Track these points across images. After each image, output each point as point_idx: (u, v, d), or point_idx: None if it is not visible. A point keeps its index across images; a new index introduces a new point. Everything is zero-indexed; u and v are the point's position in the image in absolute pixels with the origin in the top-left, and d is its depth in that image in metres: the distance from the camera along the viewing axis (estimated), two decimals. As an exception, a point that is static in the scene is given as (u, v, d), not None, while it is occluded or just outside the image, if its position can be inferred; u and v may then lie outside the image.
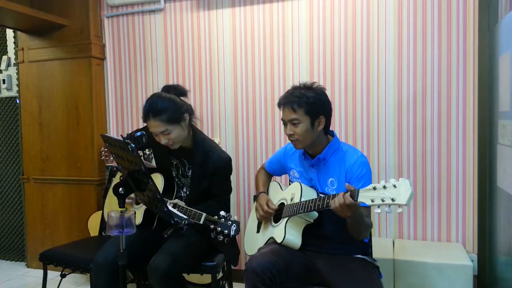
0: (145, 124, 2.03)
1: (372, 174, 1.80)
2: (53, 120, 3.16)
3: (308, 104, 1.72)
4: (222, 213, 1.81)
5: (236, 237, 2.30)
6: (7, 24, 3.05)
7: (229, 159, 2.10)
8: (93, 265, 1.92)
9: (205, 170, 2.04)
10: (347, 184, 1.55)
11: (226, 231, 1.77)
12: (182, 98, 2.08)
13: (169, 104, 1.95)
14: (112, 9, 3.11)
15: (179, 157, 2.11)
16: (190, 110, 2.06)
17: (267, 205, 1.89)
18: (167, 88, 2.09)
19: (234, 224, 1.78)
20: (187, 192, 2.12)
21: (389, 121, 2.55)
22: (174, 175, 2.14)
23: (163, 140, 1.95)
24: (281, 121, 1.83)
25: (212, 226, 1.79)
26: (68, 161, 3.13)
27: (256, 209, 1.96)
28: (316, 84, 1.80)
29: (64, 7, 3.06)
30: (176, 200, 1.97)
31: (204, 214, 1.82)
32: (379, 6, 2.53)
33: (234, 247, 2.21)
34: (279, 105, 1.82)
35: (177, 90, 2.08)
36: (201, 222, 1.82)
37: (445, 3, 2.42)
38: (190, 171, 2.09)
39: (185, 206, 1.92)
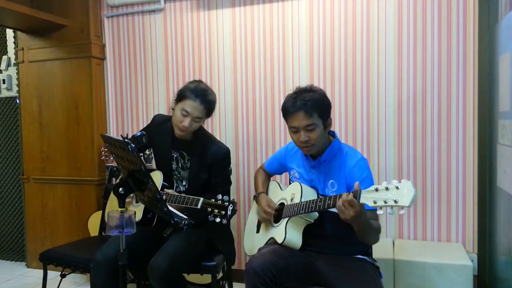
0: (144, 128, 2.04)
1: (372, 175, 1.79)
2: (53, 120, 3.16)
3: (320, 107, 1.69)
4: (219, 196, 1.84)
5: (235, 236, 2.31)
6: (7, 24, 3.05)
7: (228, 150, 2.14)
8: (93, 263, 1.93)
9: (204, 161, 2.07)
10: (356, 183, 1.51)
11: (223, 212, 1.79)
12: None
13: (215, 100, 2.09)
14: (112, 9, 3.11)
15: (179, 149, 2.14)
16: None
17: (269, 206, 1.89)
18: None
19: (230, 204, 1.81)
20: (186, 186, 2.13)
21: (389, 121, 2.55)
22: (174, 168, 2.16)
23: (186, 122, 1.98)
24: (291, 129, 1.72)
25: (210, 209, 1.81)
26: (68, 161, 3.13)
27: (258, 212, 1.96)
28: (314, 86, 1.78)
29: (64, 7, 3.05)
30: (170, 191, 1.99)
31: (202, 199, 1.86)
32: (379, 6, 2.53)
33: (230, 243, 2.21)
34: (287, 112, 1.71)
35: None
36: (199, 206, 1.85)
37: (445, 3, 2.42)
38: (190, 163, 2.11)
39: (179, 194, 1.94)
